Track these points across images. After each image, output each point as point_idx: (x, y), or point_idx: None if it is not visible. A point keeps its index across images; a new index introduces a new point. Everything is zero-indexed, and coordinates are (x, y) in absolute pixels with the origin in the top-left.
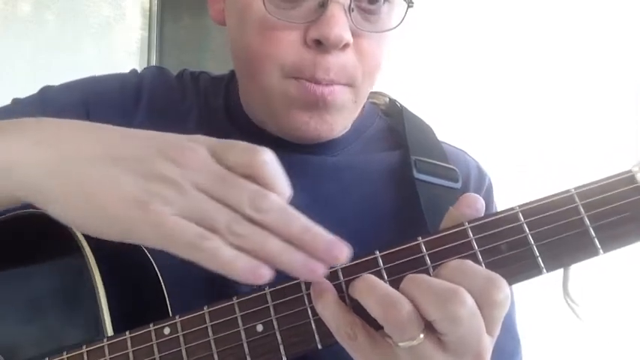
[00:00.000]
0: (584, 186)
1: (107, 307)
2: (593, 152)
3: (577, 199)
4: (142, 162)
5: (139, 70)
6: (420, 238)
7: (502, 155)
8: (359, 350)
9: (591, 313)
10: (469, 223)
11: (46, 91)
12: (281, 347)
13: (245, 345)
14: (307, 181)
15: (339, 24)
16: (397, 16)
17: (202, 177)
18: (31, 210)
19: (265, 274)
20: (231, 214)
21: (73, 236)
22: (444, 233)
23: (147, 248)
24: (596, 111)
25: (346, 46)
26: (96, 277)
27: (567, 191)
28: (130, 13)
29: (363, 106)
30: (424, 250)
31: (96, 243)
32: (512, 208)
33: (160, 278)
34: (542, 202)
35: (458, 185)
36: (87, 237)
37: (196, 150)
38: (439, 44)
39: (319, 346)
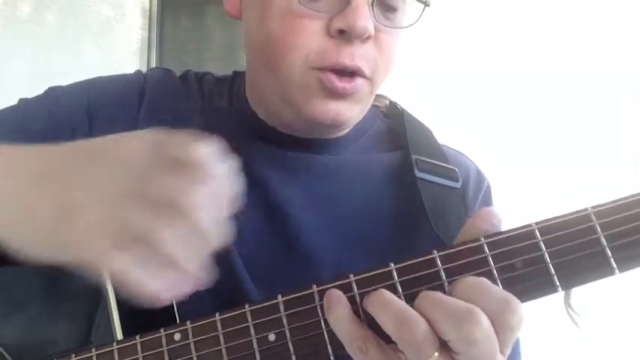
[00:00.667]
0: (600, 205)
1: (116, 308)
2: (594, 152)
3: (594, 218)
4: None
5: (145, 71)
6: (436, 251)
7: (502, 156)
8: None
9: (591, 321)
10: (485, 238)
11: (51, 92)
12: (293, 357)
13: (257, 354)
14: (309, 180)
15: (364, 15)
16: (412, 14)
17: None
18: None
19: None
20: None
21: None
22: (460, 248)
23: None
24: (596, 112)
25: (369, 38)
26: (106, 279)
27: (584, 210)
28: (130, 13)
29: None
30: (439, 264)
31: None
32: (528, 225)
33: None
34: (558, 220)
35: (458, 185)
36: None
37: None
38: (439, 46)
39: (332, 358)
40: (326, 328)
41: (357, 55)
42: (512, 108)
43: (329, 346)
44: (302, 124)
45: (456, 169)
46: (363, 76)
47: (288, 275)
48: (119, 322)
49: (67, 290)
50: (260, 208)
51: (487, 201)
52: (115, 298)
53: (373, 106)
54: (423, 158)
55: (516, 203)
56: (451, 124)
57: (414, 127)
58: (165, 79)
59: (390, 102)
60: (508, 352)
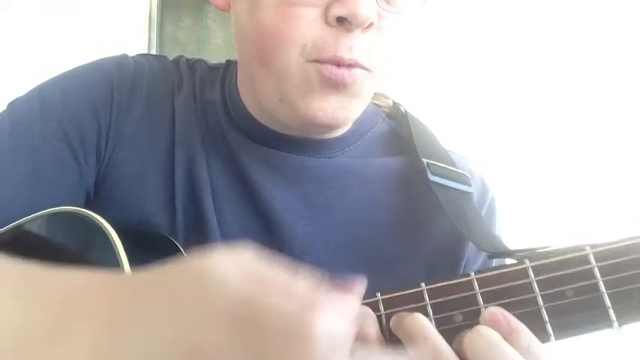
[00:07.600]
0: None
1: None
2: (597, 155)
3: None
4: None
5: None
6: (473, 274)
7: (504, 159)
8: None
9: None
10: (530, 261)
11: (44, 100)
12: None
13: None
14: (302, 184)
15: (366, 1)
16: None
17: None
18: (65, 208)
19: None
20: None
21: (106, 235)
22: (501, 271)
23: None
24: (601, 114)
25: (370, 25)
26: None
27: None
28: (130, 14)
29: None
30: (476, 287)
31: (128, 243)
32: (582, 248)
33: None
34: (617, 245)
35: (471, 189)
36: (120, 235)
37: None
38: (441, 48)
39: None
40: None
41: (356, 48)
42: (516, 108)
43: None
44: (298, 124)
45: (466, 174)
46: (362, 67)
47: None
48: None
49: None
50: (249, 210)
51: (491, 215)
52: None
53: (375, 105)
54: (434, 162)
55: (523, 213)
56: (455, 127)
57: (419, 130)
58: (160, 69)
59: (394, 102)
60: None
